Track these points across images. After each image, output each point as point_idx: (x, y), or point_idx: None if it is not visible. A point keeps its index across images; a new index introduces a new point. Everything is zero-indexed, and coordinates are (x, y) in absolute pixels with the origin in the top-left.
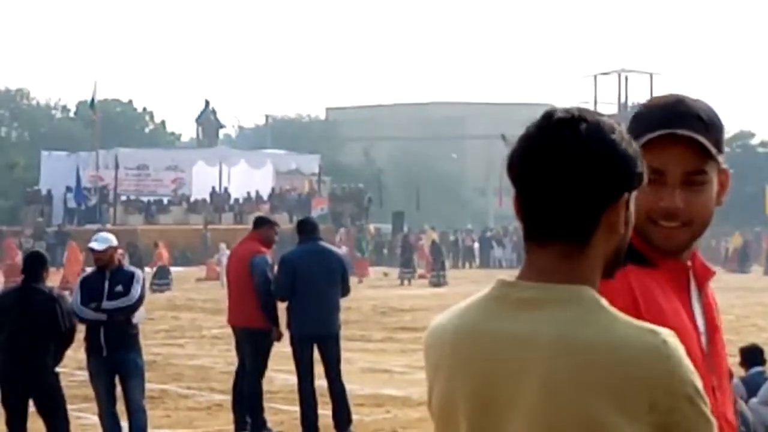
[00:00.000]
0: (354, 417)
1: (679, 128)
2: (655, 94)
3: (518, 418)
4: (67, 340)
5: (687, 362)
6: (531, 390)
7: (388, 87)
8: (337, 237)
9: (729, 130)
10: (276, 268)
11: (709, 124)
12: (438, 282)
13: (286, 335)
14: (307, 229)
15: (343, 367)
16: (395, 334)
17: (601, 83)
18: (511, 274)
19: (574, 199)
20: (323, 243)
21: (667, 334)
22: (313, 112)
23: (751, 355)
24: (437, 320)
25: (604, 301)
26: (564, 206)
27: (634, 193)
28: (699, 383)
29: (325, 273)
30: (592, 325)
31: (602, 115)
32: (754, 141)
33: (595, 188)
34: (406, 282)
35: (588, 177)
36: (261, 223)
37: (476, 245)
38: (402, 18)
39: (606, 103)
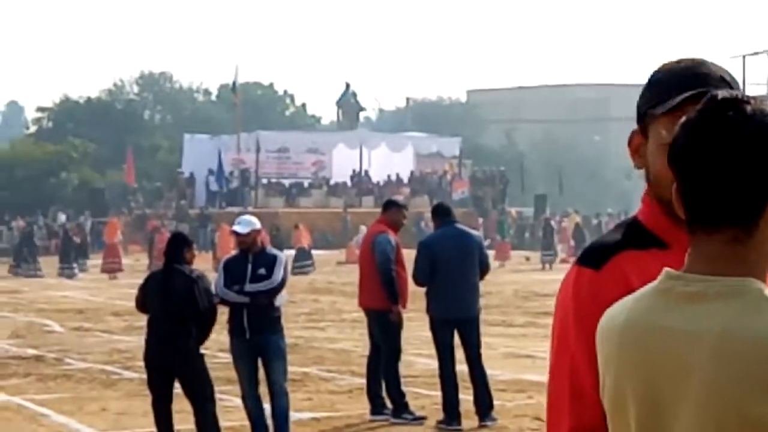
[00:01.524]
0: (495, 402)
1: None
2: None
3: (684, 418)
4: (207, 321)
5: None
6: (696, 388)
7: (530, 69)
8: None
9: None
10: (416, 251)
11: (734, 87)
12: None
13: (420, 317)
14: (441, 212)
15: (485, 351)
16: (537, 319)
17: (750, 64)
18: None
19: (741, 181)
20: (460, 225)
21: None
22: (453, 94)
23: None
24: (611, 311)
25: None
26: (731, 188)
27: None
28: None
29: (463, 256)
30: (758, 319)
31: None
32: None
33: (763, 169)
34: (547, 266)
35: (756, 157)
36: (389, 205)
37: None
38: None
39: (755, 84)
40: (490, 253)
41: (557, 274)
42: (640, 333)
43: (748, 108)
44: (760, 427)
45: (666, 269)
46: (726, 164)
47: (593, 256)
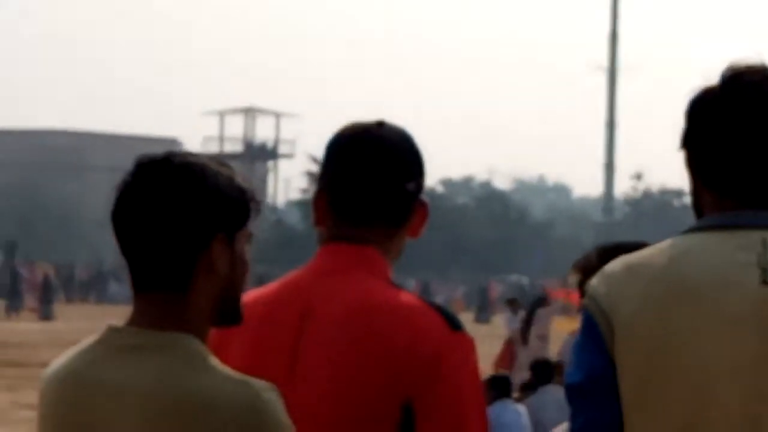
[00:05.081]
0: None
1: None
2: (281, 134)
3: None
4: None
5: (281, 417)
6: None
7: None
8: None
9: None
10: None
11: None
12: (48, 316)
13: None
14: None
15: None
16: (1, 370)
17: (228, 121)
18: (126, 312)
19: (164, 245)
20: None
21: (263, 388)
22: None
23: None
24: (51, 366)
25: (203, 350)
26: (155, 253)
27: (244, 233)
28: None
29: None
30: (185, 375)
31: (199, 157)
32: None
33: (185, 231)
34: (13, 314)
35: (176, 220)
36: None
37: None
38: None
39: (232, 139)
40: None
41: (24, 324)
42: (76, 385)
43: (170, 169)
44: None
45: (109, 323)
46: (148, 228)
47: None
